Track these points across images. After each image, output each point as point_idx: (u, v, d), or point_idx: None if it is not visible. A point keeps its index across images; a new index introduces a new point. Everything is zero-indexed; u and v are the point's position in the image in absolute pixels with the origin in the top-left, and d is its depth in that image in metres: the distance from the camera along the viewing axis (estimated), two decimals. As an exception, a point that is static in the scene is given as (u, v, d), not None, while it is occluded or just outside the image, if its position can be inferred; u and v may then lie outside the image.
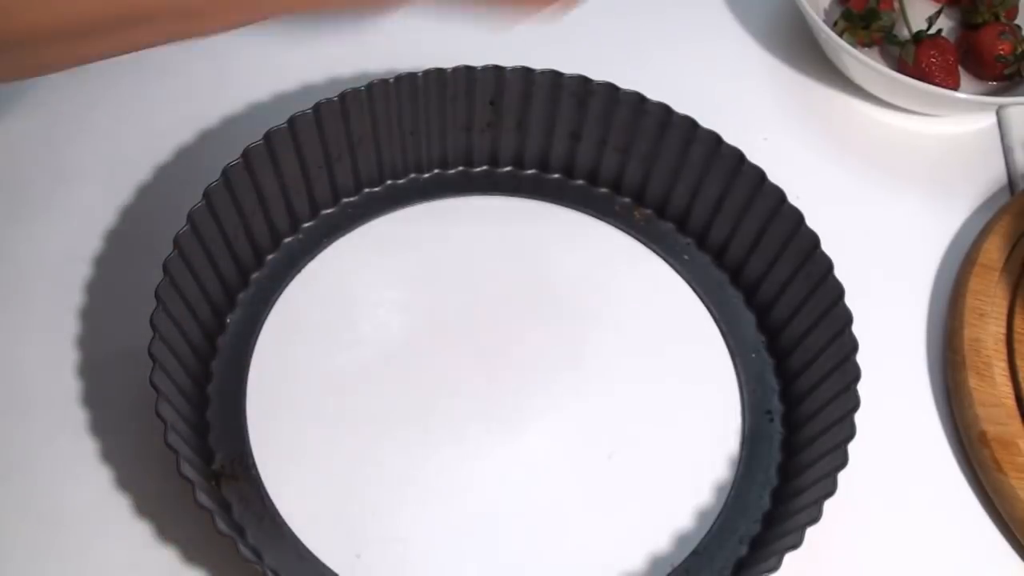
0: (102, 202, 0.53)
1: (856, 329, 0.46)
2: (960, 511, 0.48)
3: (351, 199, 0.53)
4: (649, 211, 0.55)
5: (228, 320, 0.49)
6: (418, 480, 0.46)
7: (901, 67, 0.61)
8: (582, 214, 0.55)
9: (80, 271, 0.51)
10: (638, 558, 0.44)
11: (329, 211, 0.53)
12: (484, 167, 0.56)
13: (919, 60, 0.60)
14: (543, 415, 0.48)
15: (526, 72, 0.51)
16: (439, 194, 0.55)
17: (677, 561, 0.44)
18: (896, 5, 0.63)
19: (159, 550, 0.43)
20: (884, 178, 0.59)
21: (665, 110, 0.51)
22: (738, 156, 0.50)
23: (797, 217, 0.49)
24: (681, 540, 0.45)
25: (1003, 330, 0.51)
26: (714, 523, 0.45)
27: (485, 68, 0.51)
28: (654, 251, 0.54)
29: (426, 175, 0.55)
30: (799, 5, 0.60)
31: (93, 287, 0.50)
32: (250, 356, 0.48)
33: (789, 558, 0.40)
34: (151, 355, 0.41)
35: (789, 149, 0.59)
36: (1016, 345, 0.50)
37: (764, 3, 0.67)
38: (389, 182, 0.54)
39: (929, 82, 0.59)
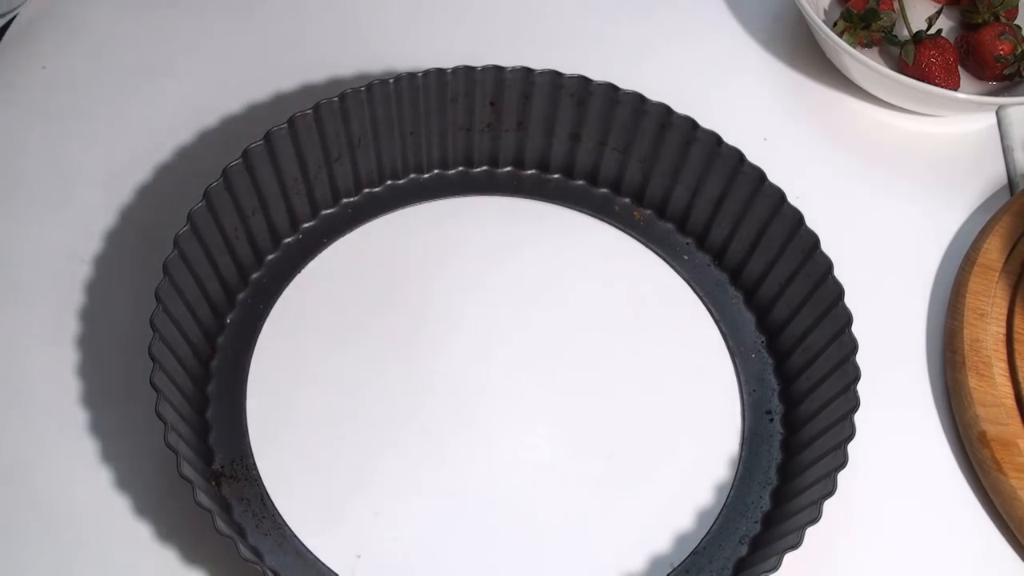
0: (102, 202, 0.53)
1: (856, 329, 0.46)
2: (960, 511, 0.48)
3: (351, 199, 0.53)
4: (649, 211, 0.55)
5: (228, 320, 0.49)
6: (418, 480, 0.46)
7: (901, 67, 0.61)
8: (582, 214, 0.55)
9: (80, 271, 0.51)
10: (638, 558, 0.44)
11: (329, 211, 0.53)
12: (484, 167, 0.56)
13: (919, 60, 0.60)
14: (543, 415, 0.48)
15: (526, 72, 0.51)
16: (439, 194, 0.55)
17: (677, 561, 0.44)
18: (896, 5, 0.63)
19: (159, 550, 0.43)
20: (884, 178, 0.59)
21: (665, 110, 0.51)
22: (738, 156, 0.50)
23: (797, 217, 0.49)
24: (681, 540, 0.45)
25: (1003, 330, 0.51)
26: (714, 523, 0.45)
27: (485, 68, 0.51)
28: (654, 251, 0.54)
29: (426, 175, 0.55)
30: (799, 5, 0.60)
31: (93, 287, 0.50)
32: (250, 356, 0.48)
33: (789, 558, 0.40)
34: (151, 355, 0.41)
35: (789, 149, 0.59)
36: (1016, 345, 0.50)
37: (764, 3, 0.67)
38: (389, 182, 0.54)
39: (929, 82, 0.59)
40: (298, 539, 0.43)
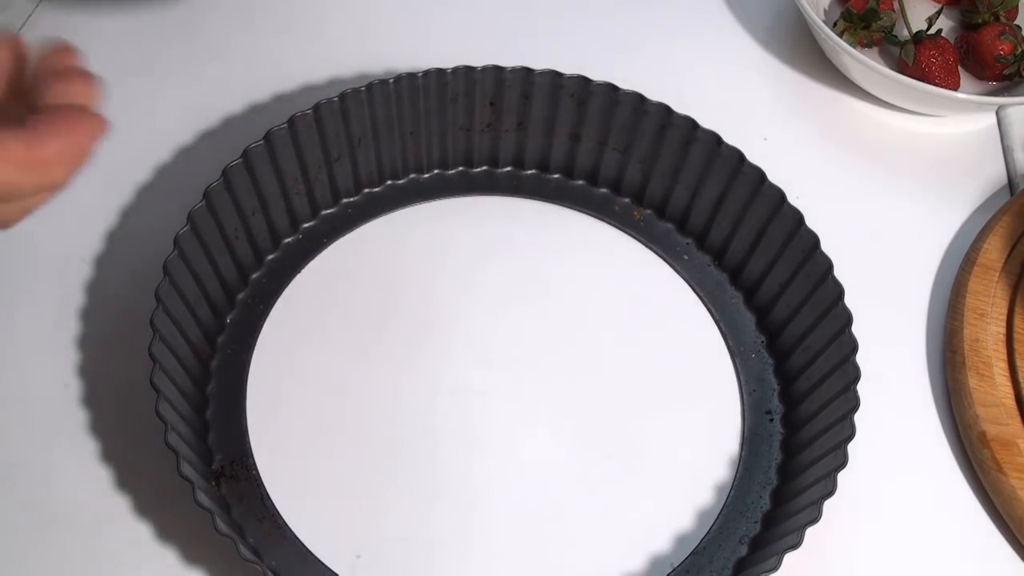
0: (102, 202, 0.53)
1: (856, 329, 0.46)
2: (960, 511, 0.48)
3: (351, 199, 0.53)
4: (649, 211, 0.55)
5: (228, 320, 0.49)
6: (418, 480, 0.46)
7: (901, 67, 0.61)
8: (582, 214, 0.55)
9: (80, 271, 0.51)
10: (638, 558, 0.44)
11: (329, 211, 0.53)
12: (484, 167, 0.56)
13: (919, 60, 0.60)
14: (543, 415, 0.48)
15: (526, 72, 0.51)
16: (439, 194, 0.55)
17: (677, 561, 0.44)
18: (896, 5, 0.63)
19: (159, 550, 0.43)
20: (884, 178, 0.59)
21: (665, 110, 0.51)
22: (738, 156, 0.50)
23: (797, 217, 0.49)
24: (681, 540, 0.45)
25: (1003, 330, 0.51)
26: (714, 523, 0.45)
27: (485, 68, 0.51)
28: (654, 251, 0.54)
29: (426, 175, 0.55)
30: (799, 5, 0.60)
31: (93, 287, 0.50)
32: (250, 356, 0.48)
33: (789, 558, 0.40)
34: (151, 355, 0.41)
35: (789, 149, 0.59)
36: (1016, 345, 0.50)
37: (764, 3, 0.67)
38: (389, 182, 0.54)
39: (929, 82, 0.59)
40: (298, 539, 0.43)
